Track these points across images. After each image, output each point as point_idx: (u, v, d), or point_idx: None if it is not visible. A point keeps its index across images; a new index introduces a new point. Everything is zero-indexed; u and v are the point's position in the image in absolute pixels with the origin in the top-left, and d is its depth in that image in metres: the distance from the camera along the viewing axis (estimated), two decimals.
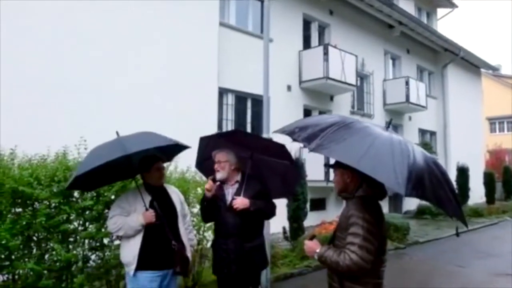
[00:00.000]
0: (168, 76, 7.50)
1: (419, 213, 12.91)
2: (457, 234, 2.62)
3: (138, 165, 2.98)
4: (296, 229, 6.96)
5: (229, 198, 3.09)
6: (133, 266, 2.78)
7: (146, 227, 2.82)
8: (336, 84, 10.58)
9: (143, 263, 2.79)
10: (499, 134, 29.13)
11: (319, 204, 10.82)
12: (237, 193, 3.06)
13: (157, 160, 3.01)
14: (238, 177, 3.18)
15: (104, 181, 3.27)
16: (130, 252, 2.81)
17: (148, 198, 2.90)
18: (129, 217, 2.84)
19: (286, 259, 6.31)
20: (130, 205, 2.89)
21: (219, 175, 3.13)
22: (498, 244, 8.91)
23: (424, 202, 13.53)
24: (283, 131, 2.16)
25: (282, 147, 3.16)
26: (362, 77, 12.93)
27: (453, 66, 17.07)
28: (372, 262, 2.01)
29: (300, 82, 10.77)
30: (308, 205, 7.49)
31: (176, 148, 3.12)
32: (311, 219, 8.07)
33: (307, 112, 10.95)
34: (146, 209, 2.84)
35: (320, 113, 11.67)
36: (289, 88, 10.48)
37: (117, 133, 2.89)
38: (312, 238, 2.28)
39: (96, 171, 2.57)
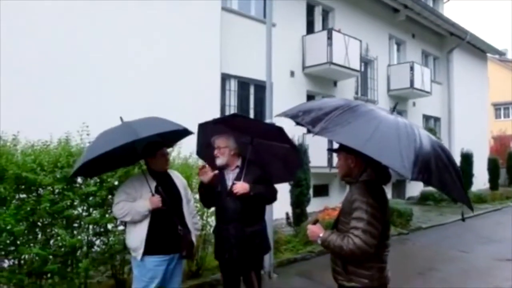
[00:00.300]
0: (170, 62, 7.43)
1: (422, 199, 12.92)
2: (463, 219, 2.60)
3: (142, 151, 2.96)
4: (299, 215, 6.98)
5: (229, 183, 3.09)
6: (141, 251, 2.80)
7: (152, 212, 2.83)
8: (339, 69, 10.46)
9: (150, 248, 2.81)
10: (504, 120, 28.86)
11: (322, 190, 10.85)
12: (237, 178, 3.06)
13: (162, 145, 3.00)
14: (239, 162, 3.17)
15: (106, 168, 3.26)
16: (137, 237, 2.83)
17: (153, 184, 2.90)
18: (135, 203, 2.84)
19: (289, 245, 6.35)
20: (136, 190, 2.89)
21: (219, 161, 3.12)
22: (501, 230, 8.93)
23: (427, 188, 13.55)
24: (285, 114, 2.13)
25: (280, 130, 3.14)
26: (366, 62, 12.77)
27: (458, 50, 16.81)
28: (375, 247, 2.01)
29: (303, 67, 10.66)
30: (311, 191, 7.49)
31: (179, 134, 3.11)
32: (314, 205, 8.08)
33: (310, 98, 10.85)
34: (153, 195, 2.84)
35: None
36: (292, 73, 10.38)
37: (121, 118, 2.87)
38: (315, 222, 2.27)
39: (103, 156, 2.55)
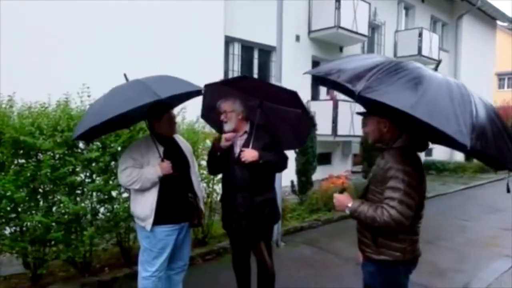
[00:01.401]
0: (172, 24, 7.02)
1: (424, 168, 12.79)
2: (508, 190, 2.39)
3: (147, 113, 2.73)
4: (304, 183, 6.86)
5: (237, 150, 2.87)
6: (150, 220, 2.61)
7: (162, 179, 2.63)
8: (347, 34, 10.02)
9: (160, 217, 2.63)
10: (507, 91, 28.44)
11: (325, 159, 10.72)
12: (246, 145, 2.83)
13: (169, 108, 2.76)
14: (247, 128, 2.94)
15: (106, 130, 2.99)
16: (146, 206, 2.64)
17: (161, 149, 2.68)
18: (145, 169, 2.62)
19: (295, 213, 6.28)
20: (143, 156, 2.66)
21: (227, 127, 2.88)
22: (504, 199, 8.84)
23: (429, 158, 13.47)
24: (317, 72, 1.90)
25: (294, 94, 2.89)
26: (373, 27, 12.27)
27: (468, 17, 16.19)
28: (412, 218, 1.85)
29: (309, 31, 10.22)
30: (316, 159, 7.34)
31: (187, 95, 2.87)
32: (317, 173, 7.96)
33: (315, 64, 10.47)
34: (162, 160, 2.63)
35: None
36: (297, 38, 9.95)
37: (125, 75, 2.60)
38: (342, 191, 2.09)
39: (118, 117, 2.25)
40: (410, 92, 1.52)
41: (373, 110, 2.06)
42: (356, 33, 10.18)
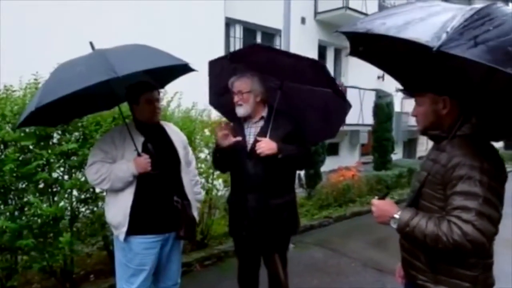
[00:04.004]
0: (168, 3, 6.40)
1: None
2: None
3: (125, 94, 2.17)
4: (312, 175, 6.34)
5: (250, 139, 2.31)
6: (124, 229, 2.08)
7: (139, 178, 2.08)
8: (356, 15, 9.39)
9: (136, 226, 2.09)
10: None
11: (331, 149, 10.18)
12: (262, 134, 2.27)
13: (148, 88, 2.18)
14: (264, 113, 2.37)
15: (75, 113, 2.42)
16: (119, 211, 2.10)
17: (140, 140, 2.13)
18: (116, 165, 2.08)
19: (303, 208, 5.75)
20: (117, 148, 2.12)
21: (241, 111, 2.32)
22: None
23: None
24: (355, 29, 1.32)
25: (321, 68, 2.31)
26: (383, 9, 11.60)
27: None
28: (494, 236, 1.31)
29: (316, 13, 9.59)
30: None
31: (175, 71, 2.31)
32: (324, 165, 7.44)
33: (322, 49, 9.89)
34: (139, 154, 2.08)
35: (337, 50, 10.58)
36: (303, 20, 9.34)
37: (91, 44, 2.04)
38: (383, 197, 1.54)
39: (71, 97, 1.71)
40: None
41: (430, 85, 1.50)
42: (366, 14, 9.52)
